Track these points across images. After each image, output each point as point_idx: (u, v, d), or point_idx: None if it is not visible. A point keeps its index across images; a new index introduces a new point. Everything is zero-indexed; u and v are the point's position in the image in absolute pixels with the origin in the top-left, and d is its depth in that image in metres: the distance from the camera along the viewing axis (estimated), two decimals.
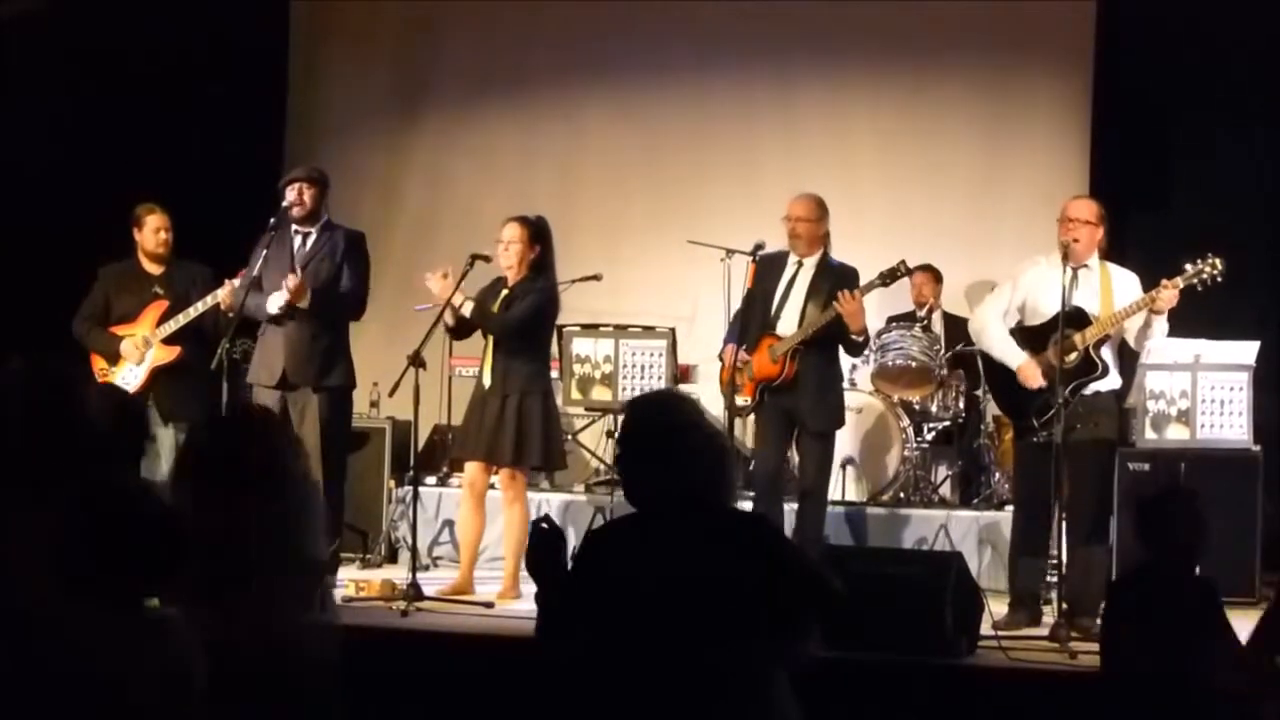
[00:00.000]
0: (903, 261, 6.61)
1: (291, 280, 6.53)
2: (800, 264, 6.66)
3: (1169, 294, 5.93)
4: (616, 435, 3.52)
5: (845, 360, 8.29)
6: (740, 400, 6.62)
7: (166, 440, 7.10)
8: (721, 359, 6.77)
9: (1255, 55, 8.09)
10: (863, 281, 6.57)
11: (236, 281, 6.83)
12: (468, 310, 6.59)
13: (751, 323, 6.71)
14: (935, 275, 8.79)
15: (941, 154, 9.19)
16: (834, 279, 6.63)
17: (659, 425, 3.34)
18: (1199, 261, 5.98)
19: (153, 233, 7.22)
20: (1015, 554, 6.33)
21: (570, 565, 3.39)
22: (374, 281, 6.96)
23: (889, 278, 6.60)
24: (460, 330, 6.78)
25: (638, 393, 6.81)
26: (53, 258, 7.94)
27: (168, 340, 7.08)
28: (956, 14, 9.10)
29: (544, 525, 3.38)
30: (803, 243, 6.64)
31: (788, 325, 6.60)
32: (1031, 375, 6.09)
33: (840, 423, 6.88)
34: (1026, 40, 9.09)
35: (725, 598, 3.15)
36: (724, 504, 3.34)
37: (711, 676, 3.13)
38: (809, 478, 6.64)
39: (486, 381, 6.64)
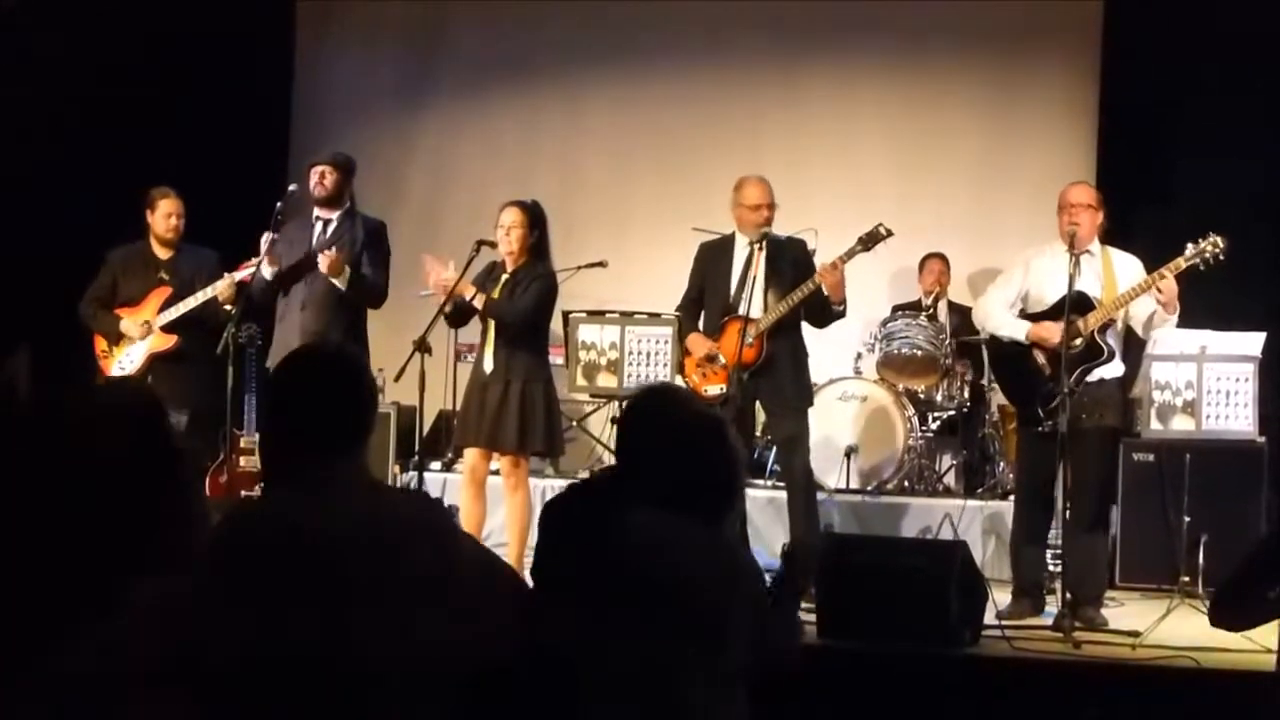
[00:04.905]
0: (881, 224, 6.60)
1: (331, 254, 6.58)
2: (753, 245, 6.67)
3: (1166, 282, 5.92)
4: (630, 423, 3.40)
5: (850, 349, 8.35)
6: (714, 389, 6.62)
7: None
8: (688, 349, 6.78)
9: (1262, 47, 8.06)
10: (843, 249, 6.59)
11: (236, 275, 6.88)
12: (478, 302, 6.58)
13: (710, 310, 6.75)
14: (948, 263, 8.80)
15: (948, 144, 9.19)
16: (791, 253, 6.70)
17: (683, 419, 3.28)
18: (1200, 240, 5.98)
19: (164, 217, 7.23)
20: (1017, 544, 6.33)
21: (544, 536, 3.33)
22: None
23: (869, 241, 6.59)
24: (459, 318, 6.79)
25: (643, 380, 6.82)
26: (61, 245, 7.94)
27: (166, 328, 7.10)
28: (964, 4, 9.09)
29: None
30: (767, 227, 6.66)
31: (756, 307, 6.60)
32: (1046, 333, 6.05)
33: (812, 400, 6.96)
34: (1034, 31, 9.08)
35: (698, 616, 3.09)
36: (722, 513, 3.28)
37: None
38: (802, 459, 6.64)
39: (488, 368, 6.62)
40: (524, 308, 6.55)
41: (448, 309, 6.65)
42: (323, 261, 6.61)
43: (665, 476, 3.18)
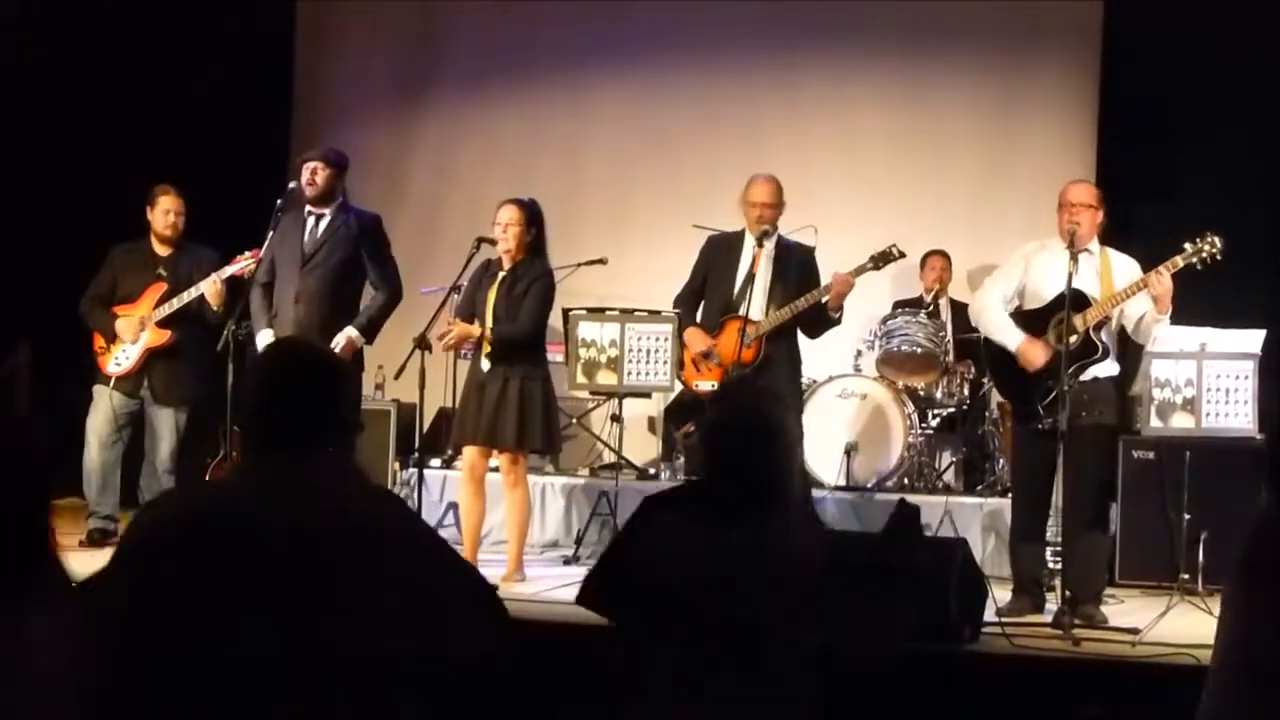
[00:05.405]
0: (894, 245, 6.65)
1: (347, 339, 6.58)
2: (760, 245, 6.67)
3: (1157, 279, 5.92)
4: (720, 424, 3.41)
5: (850, 346, 8.35)
6: (708, 385, 6.67)
7: (166, 421, 7.16)
8: (684, 343, 6.79)
9: (1263, 45, 8.06)
10: (854, 264, 6.65)
11: (225, 272, 6.93)
12: (487, 335, 6.57)
13: (711, 305, 6.76)
14: (949, 260, 8.80)
15: (948, 142, 9.19)
16: (797, 258, 6.74)
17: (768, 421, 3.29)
18: (1197, 240, 5.98)
19: (163, 214, 7.24)
20: (1015, 541, 6.33)
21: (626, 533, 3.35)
22: None
23: (881, 260, 6.66)
24: None
25: (643, 377, 6.83)
26: (61, 244, 7.94)
27: (161, 324, 7.11)
28: (964, 4, 9.09)
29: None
30: (770, 226, 6.66)
31: (756, 308, 6.60)
32: (1033, 355, 6.06)
33: (803, 403, 7.09)
34: (1034, 27, 9.07)
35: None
36: (764, 507, 3.27)
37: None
38: (800, 460, 6.68)
39: (485, 365, 6.62)
40: (527, 326, 6.54)
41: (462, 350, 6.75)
42: (342, 347, 6.57)
43: (711, 471, 3.21)
